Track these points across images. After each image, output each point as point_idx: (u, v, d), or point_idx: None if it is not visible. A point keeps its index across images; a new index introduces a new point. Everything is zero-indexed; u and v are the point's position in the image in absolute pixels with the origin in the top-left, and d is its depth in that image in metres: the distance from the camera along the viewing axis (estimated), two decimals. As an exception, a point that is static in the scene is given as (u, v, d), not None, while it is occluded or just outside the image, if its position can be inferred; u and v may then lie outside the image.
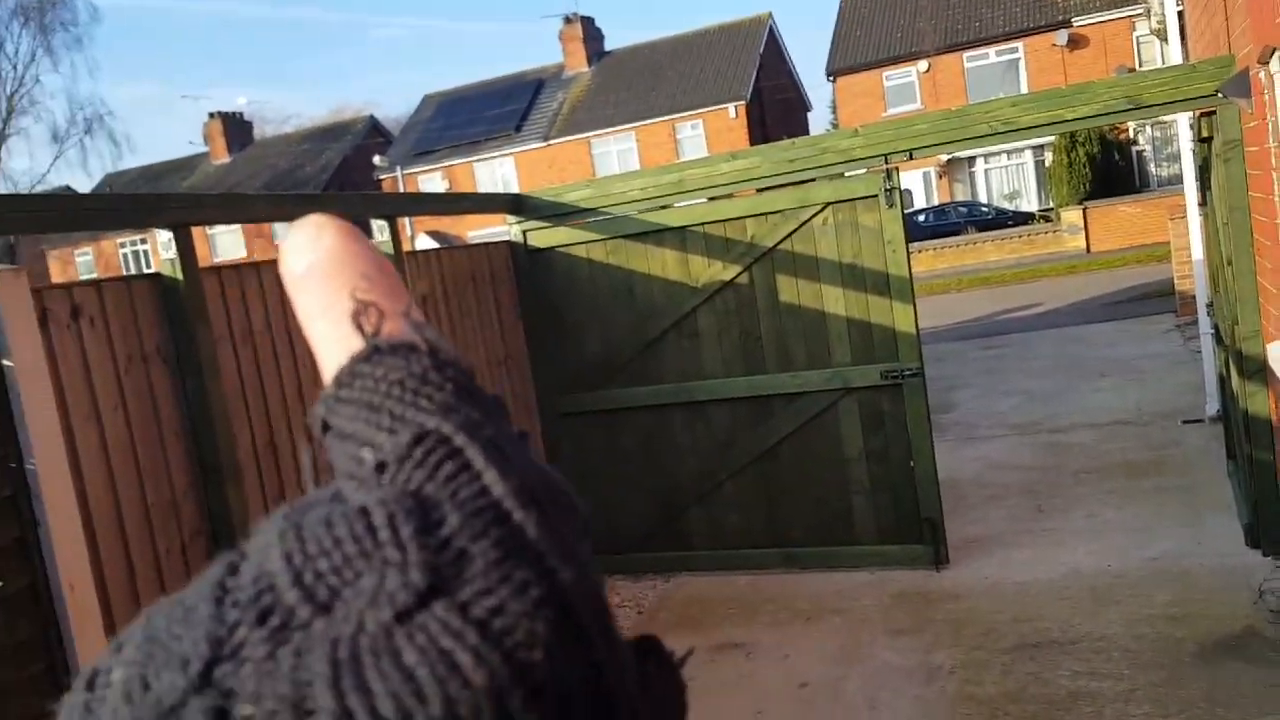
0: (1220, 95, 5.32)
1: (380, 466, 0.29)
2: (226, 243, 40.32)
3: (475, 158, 39.52)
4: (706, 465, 6.65)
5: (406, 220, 31.09)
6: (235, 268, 4.60)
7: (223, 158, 44.02)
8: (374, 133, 43.78)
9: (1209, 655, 4.59)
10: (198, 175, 43.41)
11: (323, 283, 0.33)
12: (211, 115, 44.13)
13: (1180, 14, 8.32)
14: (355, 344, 0.32)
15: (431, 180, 39.25)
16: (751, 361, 6.48)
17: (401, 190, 37.32)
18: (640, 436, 6.78)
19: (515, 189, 32.15)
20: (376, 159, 34.33)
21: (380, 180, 38.22)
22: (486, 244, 6.70)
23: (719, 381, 6.55)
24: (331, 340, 0.33)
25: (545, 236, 6.82)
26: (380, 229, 5.43)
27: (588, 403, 6.84)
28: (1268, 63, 4.44)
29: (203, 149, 45.04)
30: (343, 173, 40.01)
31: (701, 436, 6.66)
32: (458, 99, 42.11)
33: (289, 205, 5.63)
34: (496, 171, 39.22)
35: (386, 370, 0.31)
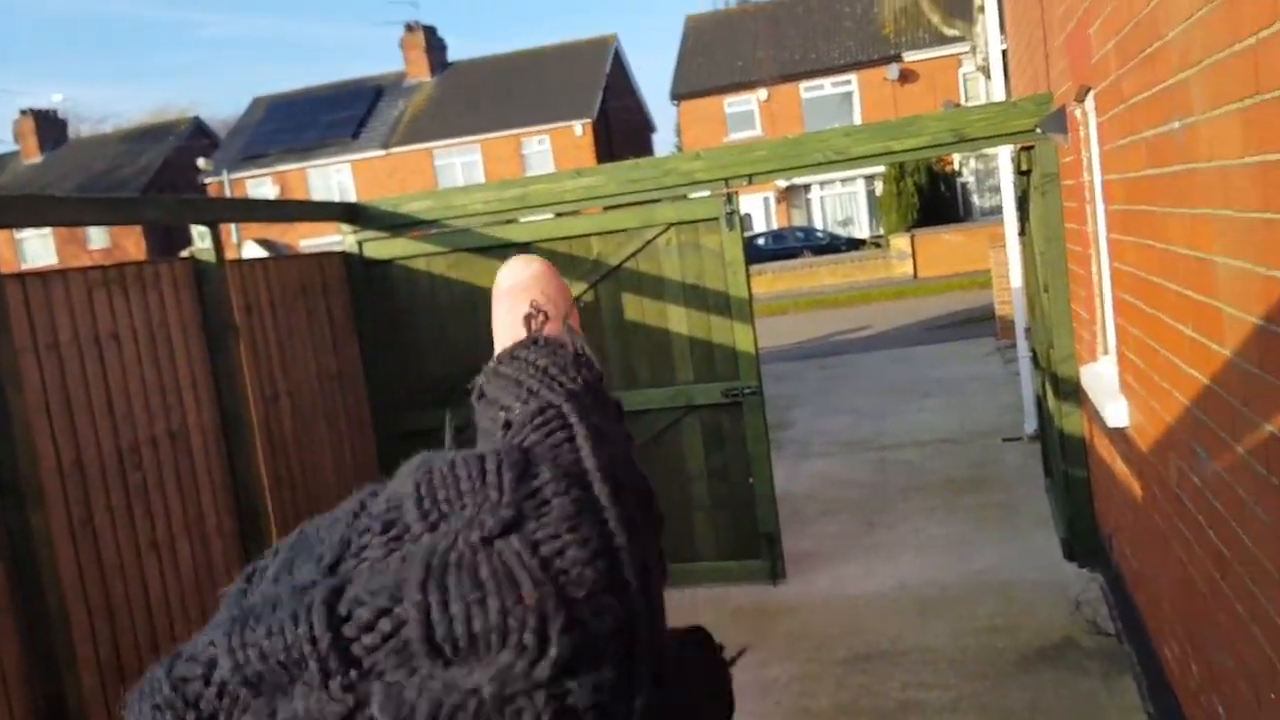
0: (1039, 131, 5.63)
1: (507, 425, 0.38)
2: (35, 248, 37.69)
3: (309, 164, 38.24)
4: (548, 484, 6.55)
5: (233, 228, 29.81)
6: (40, 275, 4.24)
7: (34, 157, 41.18)
8: (199, 134, 41.77)
9: (1030, 665, 4.80)
10: (6, 175, 40.46)
11: (516, 295, 0.45)
12: (23, 112, 41.26)
13: (1004, 53, 8.81)
14: (522, 336, 0.43)
15: (261, 186, 37.73)
16: (595, 379, 6.43)
17: (229, 195, 35.70)
18: (481, 454, 6.62)
19: (353, 198, 31.07)
20: (201, 162, 32.81)
21: (205, 184, 36.48)
22: (319, 254, 6.42)
23: (562, 399, 6.47)
24: (507, 334, 0.44)
25: (383, 248, 6.60)
26: (201, 235, 5.11)
27: (427, 421, 6.64)
28: (1083, 101, 4.72)
29: (13, 148, 42.04)
30: (164, 175, 37.97)
31: (543, 454, 6.56)
32: (291, 102, 40.68)
33: (100, 209, 5.25)
34: (332, 179, 38.05)
35: (537, 356, 0.41)
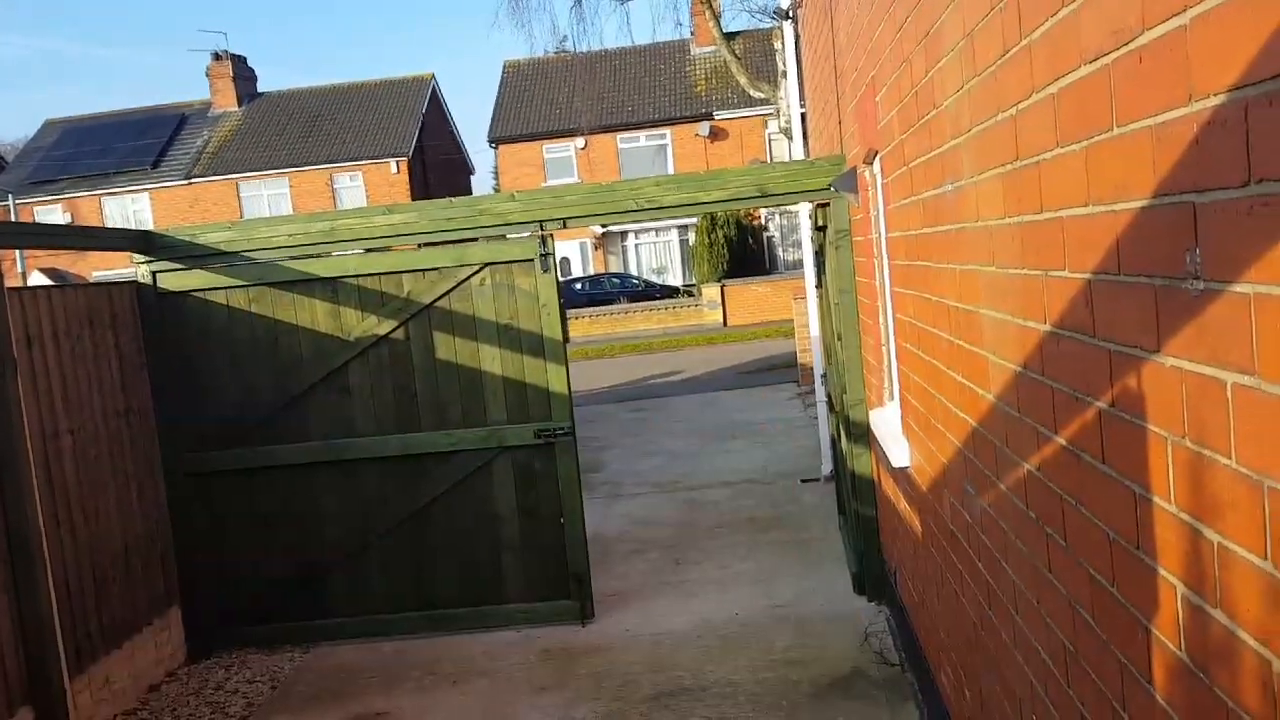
0: (833, 189, 5.99)
1: None
2: None
3: (104, 191, 36.09)
4: (353, 527, 6.38)
5: (16, 255, 27.67)
6: None
7: None
8: (-19, 155, 38.78)
9: (822, 695, 5.02)
10: None
11: None
12: None
13: (803, 116, 9.33)
14: None
15: (51, 213, 35.31)
16: (405, 419, 6.34)
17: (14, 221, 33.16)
18: (282, 498, 6.39)
19: (150, 229, 29.48)
20: (-18, 184, 30.42)
21: (-14, 209, 33.81)
22: (109, 284, 6.08)
23: (370, 440, 6.34)
24: None
25: (179, 279, 6.32)
26: (-22, 259, 4.76)
27: (223, 461, 6.35)
28: (871, 163, 5.07)
29: None
30: (-62, 197, 34.96)
31: (349, 497, 6.39)
32: (87, 127, 38.36)
33: None
34: (129, 208, 36.01)
35: None
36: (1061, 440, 2.22)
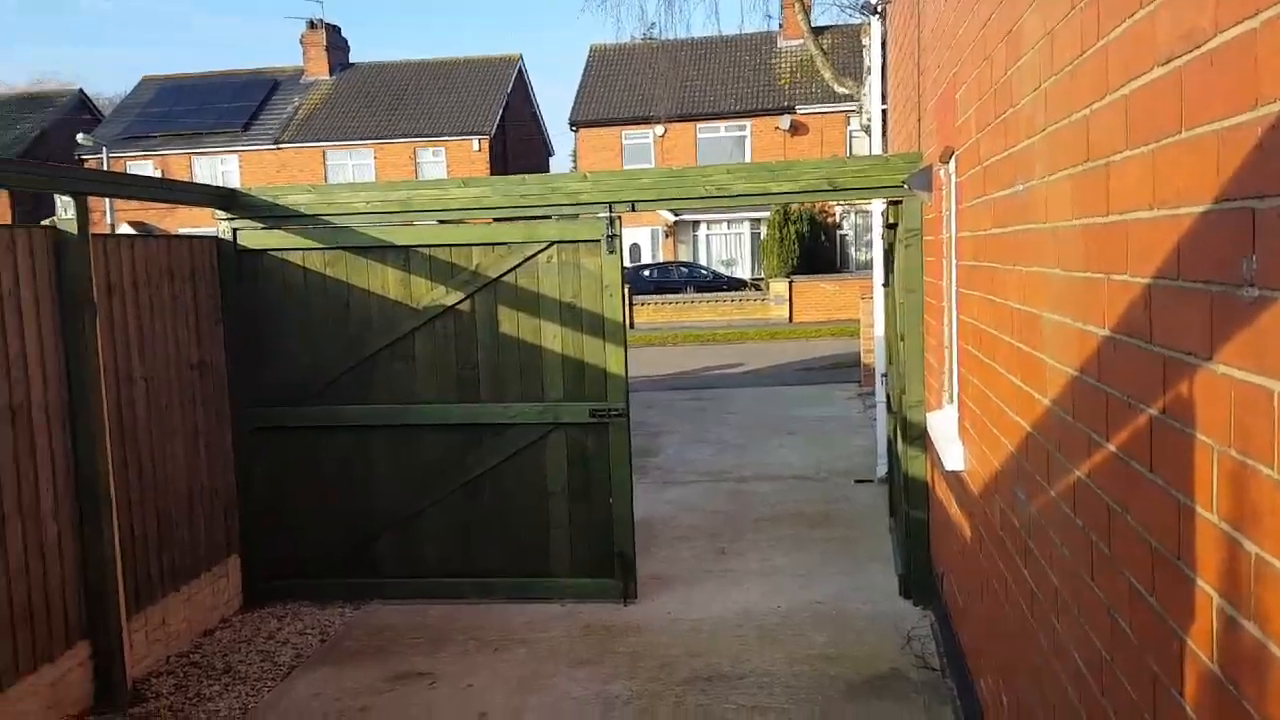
0: (906, 187, 5.93)
1: None
2: (-119, 207, 35.27)
3: (195, 150, 37.07)
4: (409, 491, 6.51)
5: (106, 207, 28.59)
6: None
7: (-112, 111, 38.66)
8: (82, 108, 40.12)
9: (857, 693, 5.00)
10: None
11: None
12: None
13: (884, 113, 9.23)
14: None
15: (143, 168, 36.36)
16: (465, 389, 6.45)
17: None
18: (342, 458, 6.54)
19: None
20: (81, 137, 31.36)
21: (83, 160, 34.87)
22: (190, 238, 6.26)
23: (431, 407, 6.45)
24: None
25: (259, 238, 6.49)
26: (65, 206, 4.95)
27: (289, 418, 6.52)
28: (948, 162, 5.01)
29: None
30: (41, 147, 36.23)
31: (406, 462, 6.52)
32: (182, 86, 39.40)
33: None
34: (218, 168, 36.92)
35: None
36: (1112, 447, 2.19)
